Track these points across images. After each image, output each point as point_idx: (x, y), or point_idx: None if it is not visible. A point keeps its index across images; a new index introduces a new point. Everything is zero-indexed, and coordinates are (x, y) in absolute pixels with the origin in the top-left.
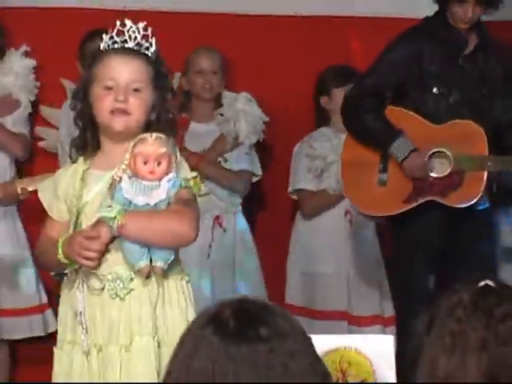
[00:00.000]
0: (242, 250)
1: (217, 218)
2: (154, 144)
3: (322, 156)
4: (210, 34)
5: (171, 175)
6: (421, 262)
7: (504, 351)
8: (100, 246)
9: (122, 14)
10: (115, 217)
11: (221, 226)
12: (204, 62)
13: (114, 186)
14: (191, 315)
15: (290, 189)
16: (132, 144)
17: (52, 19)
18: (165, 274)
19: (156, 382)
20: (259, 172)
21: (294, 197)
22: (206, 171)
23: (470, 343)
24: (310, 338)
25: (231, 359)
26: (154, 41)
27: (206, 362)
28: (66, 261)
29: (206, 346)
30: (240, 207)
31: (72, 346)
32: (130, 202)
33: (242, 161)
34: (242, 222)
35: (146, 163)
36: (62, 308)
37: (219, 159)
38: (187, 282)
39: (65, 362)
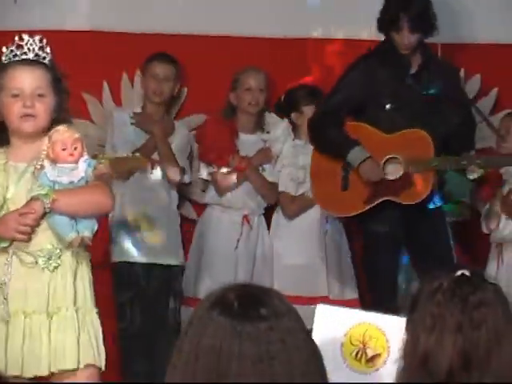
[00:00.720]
0: (261, 247)
1: (245, 216)
2: (68, 131)
3: (305, 167)
4: (214, 56)
5: (86, 157)
6: (385, 253)
7: (477, 334)
8: (34, 221)
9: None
10: (47, 194)
11: (249, 223)
12: (252, 80)
13: (36, 174)
14: (92, 288)
15: None
16: (49, 136)
17: (91, 42)
18: (82, 253)
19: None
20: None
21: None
22: (250, 175)
23: (447, 325)
24: (300, 317)
25: (236, 336)
26: (48, 50)
27: (214, 339)
28: None
29: (214, 326)
30: (263, 210)
31: None
32: (55, 183)
33: (274, 175)
34: (264, 223)
35: (64, 149)
36: None
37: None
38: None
39: None
